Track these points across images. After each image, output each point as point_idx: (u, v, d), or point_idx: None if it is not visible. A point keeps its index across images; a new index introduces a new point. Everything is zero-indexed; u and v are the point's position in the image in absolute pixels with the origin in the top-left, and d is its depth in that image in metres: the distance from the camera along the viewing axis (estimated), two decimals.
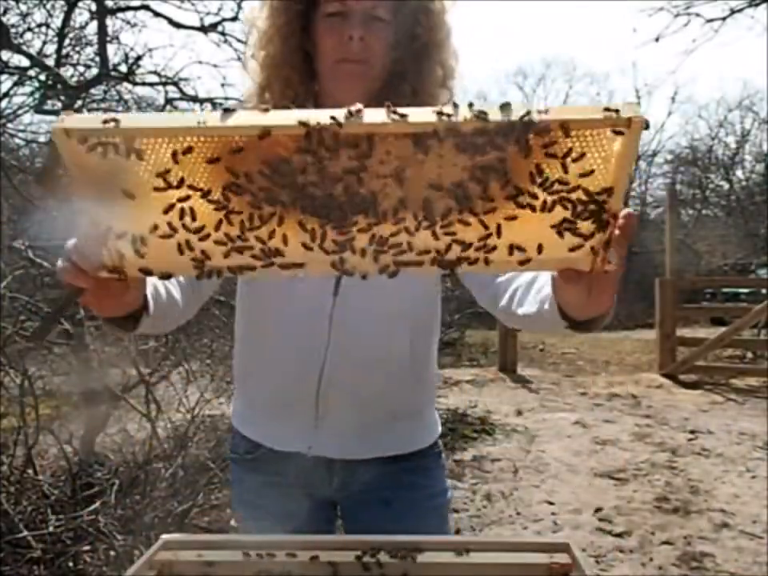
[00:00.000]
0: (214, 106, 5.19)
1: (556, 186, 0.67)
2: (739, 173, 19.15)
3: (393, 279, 0.71)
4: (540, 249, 0.70)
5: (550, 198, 0.67)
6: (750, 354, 8.70)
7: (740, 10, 9.41)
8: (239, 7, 4.84)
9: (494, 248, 0.70)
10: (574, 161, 0.65)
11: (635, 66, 33.45)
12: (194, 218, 0.68)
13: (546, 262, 0.72)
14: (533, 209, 0.67)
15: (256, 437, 1.17)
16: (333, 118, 0.62)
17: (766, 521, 3.56)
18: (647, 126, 0.63)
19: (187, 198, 0.67)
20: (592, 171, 0.66)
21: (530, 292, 0.95)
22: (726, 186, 18.65)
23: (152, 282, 0.88)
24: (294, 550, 0.87)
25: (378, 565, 0.85)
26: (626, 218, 0.68)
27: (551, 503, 3.87)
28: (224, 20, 4.94)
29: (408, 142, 0.63)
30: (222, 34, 5.00)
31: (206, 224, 0.69)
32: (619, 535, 3.45)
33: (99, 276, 0.70)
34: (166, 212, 0.68)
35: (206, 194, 0.67)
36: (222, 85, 5.72)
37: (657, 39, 9.69)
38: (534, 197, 0.67)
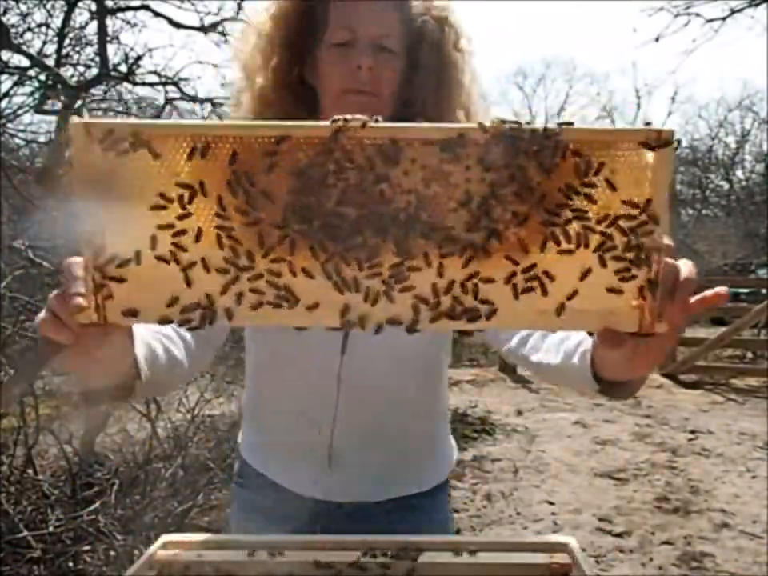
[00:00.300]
0: (214, 106, 5.20)
1: (588, 211, 0.61)
2: (739, 173, 19.16)
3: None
4: (574, 294, 0.63)
5: (581, 227, 0.61)
6: (750, 354, 8.69)
7: (740, 10, 9.39)
8: (239, 7, 4.85)
9: (527, 289, 0.62)
10: (608, 183, 0.61)
11: (635, 65, 33.44)
12: (197, 238, 0.62)
13: (583, 315, 0.63)
14: (567, 238, 0.62)
15: (268, 474, 1.13)
16: (358, 119, 0.59)
17: (765, 521, 3.56)
18: (678, 143, 0.59)
19: (192, 214, 0.62)
20: (626, 193, 0.61)
21: (548, 338, 0.89)
22: (726, 185, 18.65)
23: (147, 342, 0.81)
24: (295, 551, 0.87)
25: (379, 565, 0.85)
26: (684, 282, 0.62)
27: (551, 503, 3.87)
28: (224, 20, 4.96)
29: (435, 149, 0.60)
30: (222, 33, 5.01)
31: (208, 245, 0.62)
32: (619, 535, 3.45)
33: (79, 325, 0.63)
34: (166, 228, 0.62)
35: (215, 206, 0.62)
36: (222, 85, 5.73)
37: (657, 39, 9.66)
38: (567, 223, 0.61)
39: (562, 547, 0.88)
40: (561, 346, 0.85)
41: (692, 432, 5.33)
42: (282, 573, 0.85)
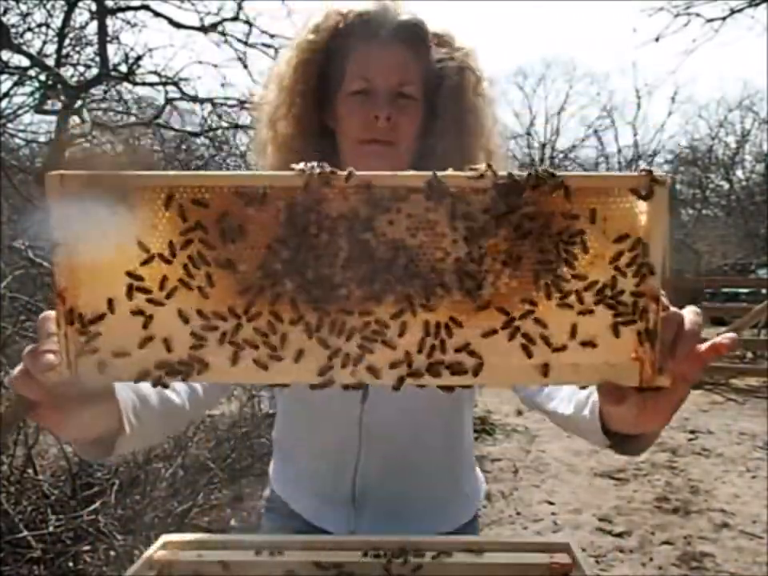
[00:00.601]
0: (214, 105, 5.20)
1: (580, 259, 0.59)
2: (739, 173, 19.15)
3: None
4: (565, 347, 0.59)
5: (573, 276, 0.59)
6: (750, 354, 8.71)
7: (740, 10, 9.38)
8: (239, 7, 4.86)
9: (516, 342, 0.59)
10: (600, 230, 0.58)
11: (635, 65, 33.10)
12: (174, 291, 0.59)
13: (578, 368, 0.60)
14: (559, 289, 0.59)
15: (294, 507, 1.13)
16: (339, 170, 0.58)
17: (765, 521, 3.56)
18: (672, 183, 0.57)
19: (169, 265, 0.59)
20: (619, 240, 0.58)
21: (562, 387, 0.87)
22: (726, 185, 18.65)
23: (138, 388, 0.76)
24: (295, 551, 0.87)
25: (381, 565, 0.85)
26: (687, 333, 0.59)
27: (551, 503, 3.88)
28: (224, 20, 4.96)
29: (420, 197, 0.58)
30: (222, 33, 5.01)
31: (185, 297, 0.60)
32: (619, 535, 3.45)
33: (51, 385, 0.60)
34: (141, 279, 0.59)
35: (194, 258, 0.59)
36: (222, 85, 5.74)
37: (657, 39, 9.65)
38: (559, 272, 0.59)
39: (562, 547, 0.88)
40: (573, 395, 0.83)
41: (692, 432, 5.33)
42: (282, 573, 0.85)
